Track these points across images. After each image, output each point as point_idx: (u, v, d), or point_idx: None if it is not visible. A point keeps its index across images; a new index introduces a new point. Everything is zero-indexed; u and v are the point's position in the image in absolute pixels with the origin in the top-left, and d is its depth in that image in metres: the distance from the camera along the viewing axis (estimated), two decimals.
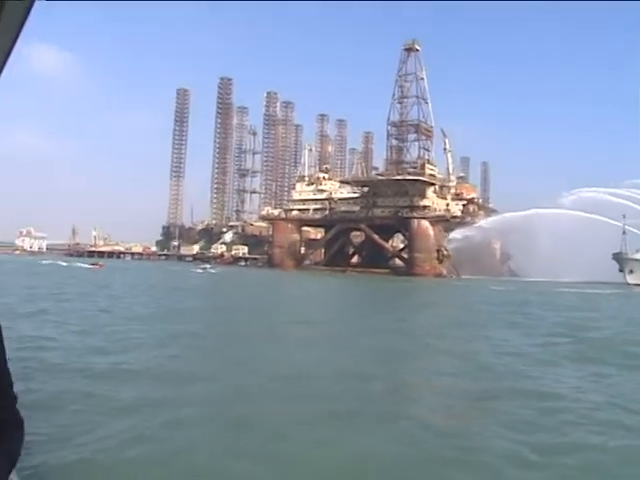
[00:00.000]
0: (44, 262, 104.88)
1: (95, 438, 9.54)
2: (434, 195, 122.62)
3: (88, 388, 12.95)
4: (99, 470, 8.47)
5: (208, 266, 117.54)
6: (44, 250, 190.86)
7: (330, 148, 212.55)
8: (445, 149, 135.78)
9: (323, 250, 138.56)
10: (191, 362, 16.96)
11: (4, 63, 3.39)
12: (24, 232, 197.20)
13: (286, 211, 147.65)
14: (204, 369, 15.77)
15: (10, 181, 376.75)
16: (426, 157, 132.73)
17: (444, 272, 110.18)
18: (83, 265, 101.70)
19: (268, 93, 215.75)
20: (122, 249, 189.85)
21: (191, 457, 9.02)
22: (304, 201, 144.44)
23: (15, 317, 24.55)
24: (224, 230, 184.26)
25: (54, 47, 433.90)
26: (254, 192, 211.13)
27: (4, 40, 3.10)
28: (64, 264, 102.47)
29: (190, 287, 58.81)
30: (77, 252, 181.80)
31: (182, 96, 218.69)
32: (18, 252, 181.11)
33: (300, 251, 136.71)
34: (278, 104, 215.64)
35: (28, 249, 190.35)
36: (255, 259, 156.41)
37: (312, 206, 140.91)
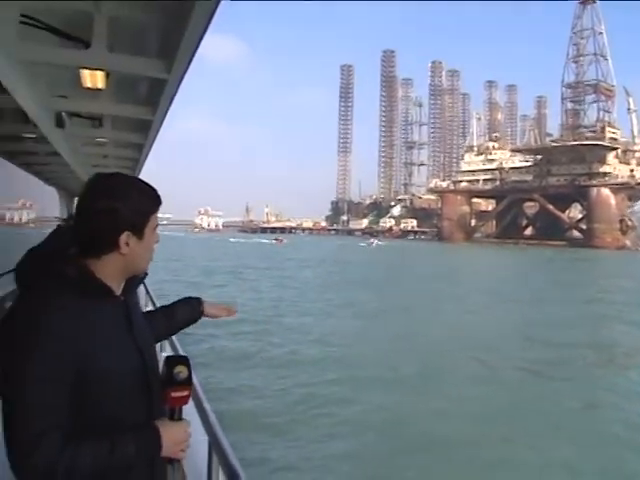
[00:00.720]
0: (231, 240, 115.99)
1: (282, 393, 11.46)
2: (616, 161, 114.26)
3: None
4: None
5: (377, 240, 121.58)
6: (220, 228, 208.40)
7: (500, 116, 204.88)
8: (629, 109, 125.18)
9: (494, 222, 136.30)
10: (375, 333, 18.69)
11: (193, 55, 4.42)
12: (202, 211, 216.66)
13: (455, 183, 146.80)
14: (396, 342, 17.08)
15: (187, 163, 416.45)
16: (606, 119, 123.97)
17: (628, 244, 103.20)
18: (265, 241, 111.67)
19: (433, 63, 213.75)
20: (293, 225, 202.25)
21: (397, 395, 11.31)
22: (473, 172, 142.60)
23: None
24: (392, 204, 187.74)
25: (229, 36, 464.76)
26: (422, 164, 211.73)
27: (196, 31, 3.93)
28: (250, 240, 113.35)
29: (373, 260, 62.71)
30: (251, 229, 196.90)
31: (346, 72, 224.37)
32: (197, 230, 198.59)
33: (470, 223, 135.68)
34: (443, 73, 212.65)
35: (206, 227, 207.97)
36: (424, 232, 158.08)
37: (482, 177, 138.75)
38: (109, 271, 1.52)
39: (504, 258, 75.27)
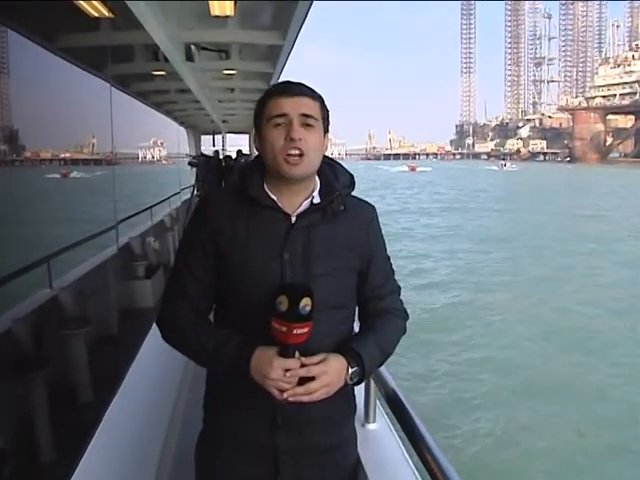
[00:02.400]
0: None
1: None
2: None
3: None
4: None
5: (508, 163, 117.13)
6: (344, 156, 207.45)
7: None
8: None
9: (633, 140, 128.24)
10: None
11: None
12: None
13: (588, 99, 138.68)
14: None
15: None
16: None
17: None
18: (401, 169, 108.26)
19: None
20: (417, 150, 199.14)
21: None
22: (609, 86, 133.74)
23: None
24: (520, 125, 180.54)
25: None
26: (551, 81, 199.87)
27: None
28: (385, 168, 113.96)
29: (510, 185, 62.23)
30: (374, 156, 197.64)
31: None
32: None
33: (605, 143, 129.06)
34: None
35: (330, 155, 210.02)
36: (554, 154, 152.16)
37: (619, 91, 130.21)
38: (268, 181, 1.46)
39: None
